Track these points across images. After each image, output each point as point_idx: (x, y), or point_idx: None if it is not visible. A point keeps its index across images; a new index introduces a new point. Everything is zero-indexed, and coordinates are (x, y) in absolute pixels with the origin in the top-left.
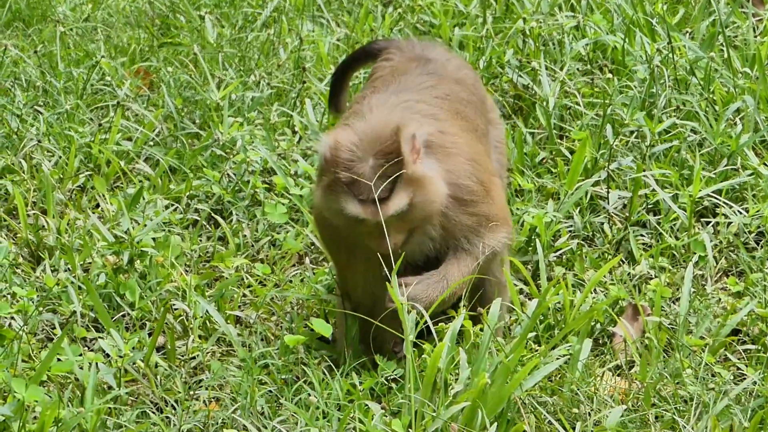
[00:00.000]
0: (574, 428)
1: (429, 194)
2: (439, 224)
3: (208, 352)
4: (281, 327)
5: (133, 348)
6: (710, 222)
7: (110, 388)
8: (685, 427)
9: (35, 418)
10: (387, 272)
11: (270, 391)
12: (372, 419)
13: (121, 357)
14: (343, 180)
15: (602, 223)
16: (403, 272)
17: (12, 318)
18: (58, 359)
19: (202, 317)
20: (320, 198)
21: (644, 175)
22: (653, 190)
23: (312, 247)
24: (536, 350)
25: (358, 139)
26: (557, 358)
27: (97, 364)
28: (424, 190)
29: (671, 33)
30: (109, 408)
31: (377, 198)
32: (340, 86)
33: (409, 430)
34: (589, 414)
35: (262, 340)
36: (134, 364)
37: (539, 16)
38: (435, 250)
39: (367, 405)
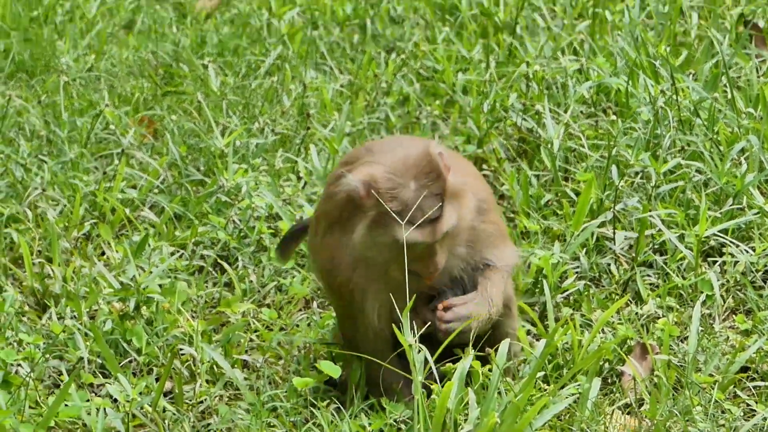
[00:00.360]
0: None
1: (465, 207)
2: (465, 240)
3: (216, 397)
4: (289, 370)
5: (140, 393)
6: (717, 261)
7: None
8: None
9: None
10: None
11: None
12: None
13: (129, 402)
14: (393, 209)
15: (609, 264)
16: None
17: (19, 365)
18: (66, 405)
19: (209, 362)
20: (362, 236)
21: (650, 216)
22: (659, 230)
23: (319, 292)
24: (545, 390)
25: (390, 168)
26: (566, 398)
27: (105, 409)
28: (462, 203)
29: (675, 74)
30: None
31: (431, 218)
32: (294, 239)
33: None
34: None
35: (270, 383)
36: (142, 408)
37: (542, 60)
38: (460, 271)
39: None
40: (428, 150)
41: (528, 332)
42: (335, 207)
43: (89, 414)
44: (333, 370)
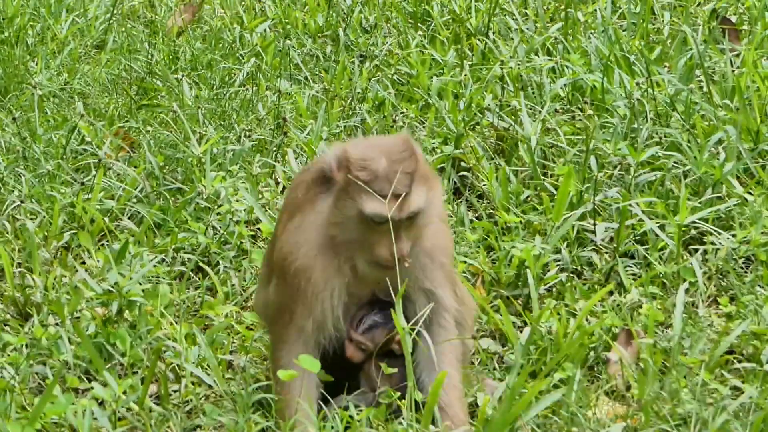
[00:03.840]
0: None
1: (435, 195)
2: (428, 239)
3: (201, 397)
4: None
5: (125, 392)
6: (698, 250)
7: None
8: None
9: None
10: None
11: (265, 429)
12: None
13: (115, 401)
14: (361, 178)
15: (590, 257)
16: (369, 308)
17: (4, 368)
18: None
19: (194, 362)
20: (329, 210)
21: (630, 205)
22: (640, 220)
23: None
24: (532, 379)
25: (364, 146)
26: (554, 392)
27: (91, 409)
28: (432, 190)
29: (650, 66)
30: None
31: (399, 193)
32: None
33: None
34: None
35: (255, 381)
36: (128, 409)
37: (517, 60)
38: (412, 281)
39: None
40: (403, 134)
41: (513, 324)
42: (303, 189)
43: (75, 415)
44: (312, 365)
